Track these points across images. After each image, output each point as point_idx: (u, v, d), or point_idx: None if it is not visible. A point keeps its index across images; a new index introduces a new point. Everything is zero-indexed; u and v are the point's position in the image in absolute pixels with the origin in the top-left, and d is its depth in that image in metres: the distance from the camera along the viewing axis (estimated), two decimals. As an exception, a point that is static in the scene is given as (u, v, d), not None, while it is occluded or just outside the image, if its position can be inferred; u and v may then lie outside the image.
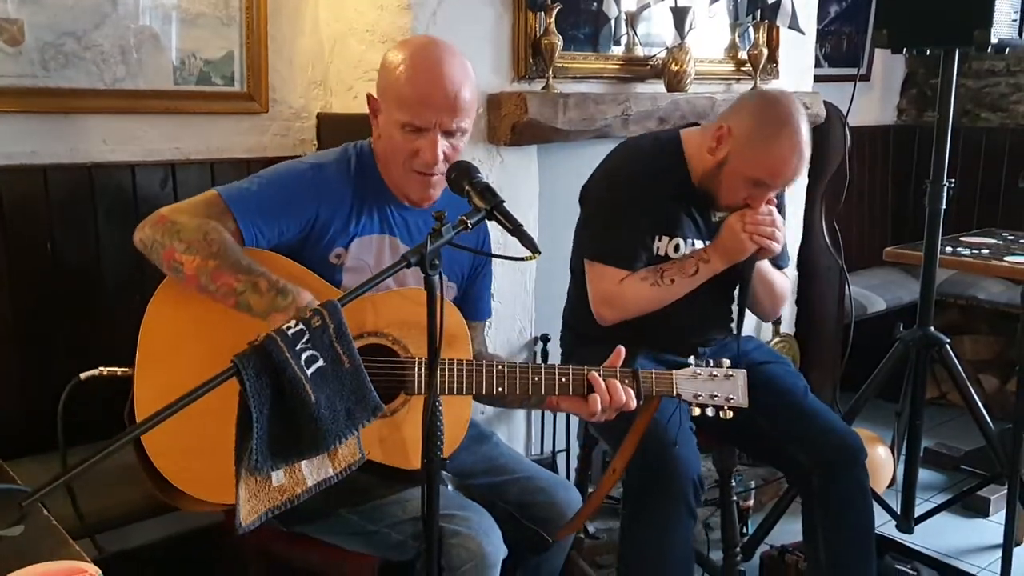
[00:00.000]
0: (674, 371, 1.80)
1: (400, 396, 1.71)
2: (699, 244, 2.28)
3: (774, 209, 2.19)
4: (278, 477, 1.42)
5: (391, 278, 1.78)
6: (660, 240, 2.26)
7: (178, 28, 2.42)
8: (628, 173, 2.28)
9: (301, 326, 1.38)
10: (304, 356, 1.37)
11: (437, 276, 1.43)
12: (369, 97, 1.83)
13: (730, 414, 1.81)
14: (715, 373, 1.80)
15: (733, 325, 2.42)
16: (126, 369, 1.64)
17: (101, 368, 1.64)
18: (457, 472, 1.91)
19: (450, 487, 1.88)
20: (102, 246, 2.32)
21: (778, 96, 2.21)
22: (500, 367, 1.72)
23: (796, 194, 3.67)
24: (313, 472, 1.45)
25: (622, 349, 1.79)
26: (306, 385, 1.37)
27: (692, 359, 1.83)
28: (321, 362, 1.39)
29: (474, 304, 2.01)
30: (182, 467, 1.61)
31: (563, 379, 1.74)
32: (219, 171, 2.48)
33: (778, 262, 2.38)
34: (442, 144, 1.75)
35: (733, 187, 2.18)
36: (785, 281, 2.41)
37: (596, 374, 1.74)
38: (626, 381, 1.76)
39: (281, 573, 1.89)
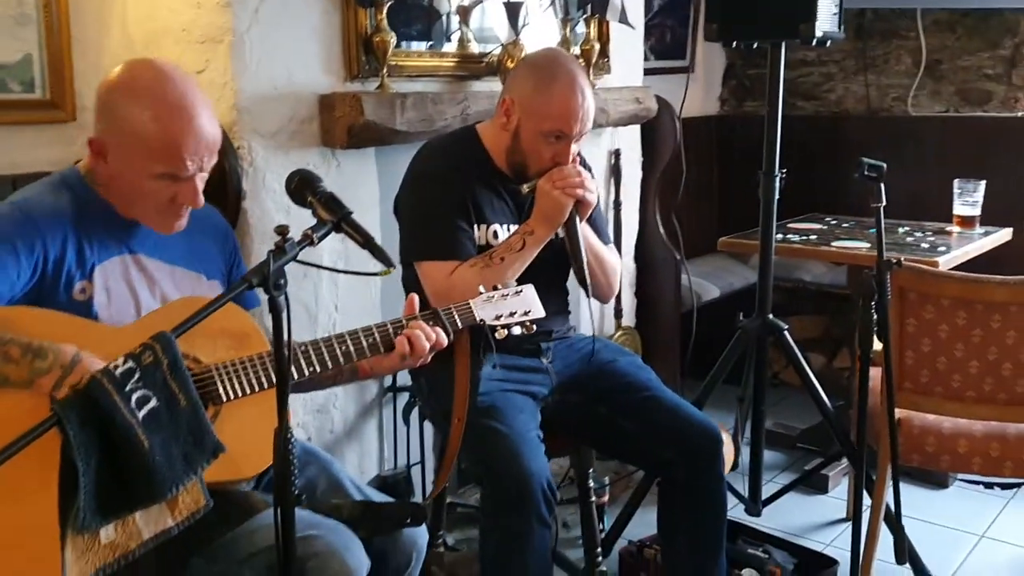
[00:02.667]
0: (470, 300, 1.84)
1: (208, 409, 1.58)
2: (515, 228, 2.27)
3: (580, 167, 2.23)
4: (107, 533, 1.26)
5: (152, 296, 1.71)
6: (479, 229, 2.26)
7: (-37, 29, 2.17)
8: (430, 169, 2.29)
9: (130, 363, 1.24)
10: (135, 397, 1.23)
11: (283, 297, 1.32)
12: (92, 141, 1.67)
13: (533, 328, 1.88)
14: (505, 292, 1.87)
15: (571, 318, 2.41)
16: None
17: None
18: (304, 491, 1.79)
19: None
20: None
21: (541, 52, 2.36)
22: (304, 347, 1.67)
23: (630, 188, 3.71)
24: (149, 524, 1.31)
25: (415, 296, 1.83)
26: (137, 430, 1.23)
27: (481, 287, 1.87)
28: (154, 402, 1.26)
29: (243, 294, 1.91)
30: None
31: (370, 339, 1.73)
32: (23, 188, 2.24)
33: (601, 237, 2.41)
34: (201, 181, 1.67)
35: (536, 150, 2.21)
36: (613, 254, 2.43)
37: (401, 322, 1.76)
38: (430, 322, 1.78)
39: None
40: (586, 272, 2.18)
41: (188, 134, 1.62)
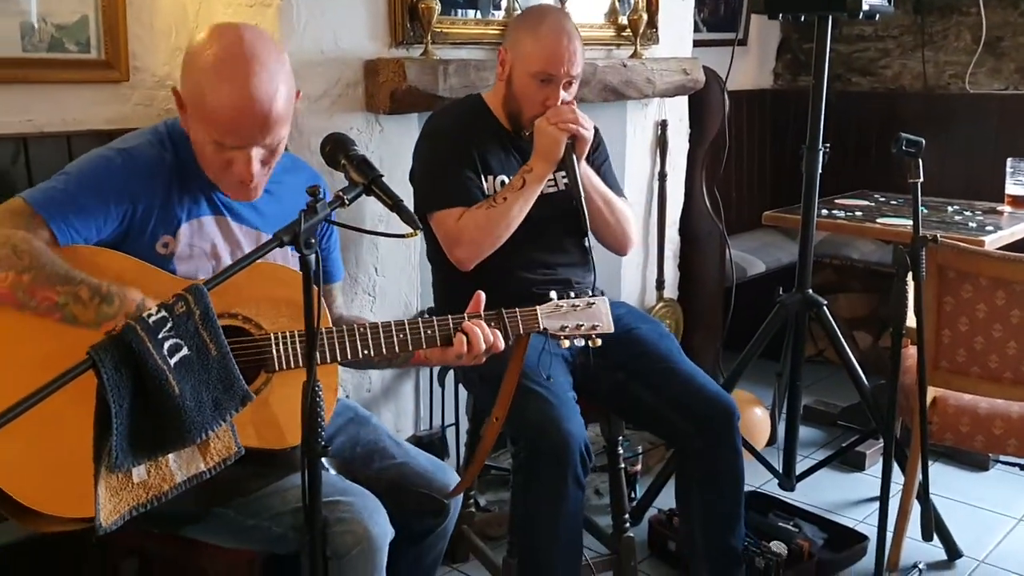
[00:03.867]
0: (537, 306, 1.82)
1: (261, 375, 1.64)
2: None
3: (574, 106, 2.31)
4: (140, 473, 1.33)
5: (232, 259, 1.74)
6: (487, 180, 2.35)
7: (24, -10, 2.25)
8: (438, 129, 2.39)
9: (163, 313, 1.30)
10: (167, 345, 1.29)
11: (313, 256, 1.37)
12: (175, 91, 1.70)
13: (599, 342, 1.87)
14: (577, 304, 1.85)
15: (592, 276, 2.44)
16: None
17: None
18: (337, 457, 1.85)
19: (331, 471, 1.81)
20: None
21: (534, 5, 2.52)
22: (363, 329, 1.69)
23: (676, 159, 3.70)
24: (182, 467, 1.37)
25: (481, 293, 1.81)
26: (169, 376, 1.28)
27: (552, 293, 1.86)
28: (185, 350, 1.31)
29: (324, 267, 1.95)
30: (35, 487, 1.47)
31: (428, 332, 1.74)
32: (77, 144, 2.32)
33: (612, 189, 2.47)
34: (257, 155, 1.66)
35: (527, 94, 2.30)
36: (624, 203, 2.50)
37: (463, 319, 1.75)
38: (492, 323, 1.78)
39: (153, 572, 1.80)
40: (584, 208, 2.26)
41: (241, 112, 1.59)
